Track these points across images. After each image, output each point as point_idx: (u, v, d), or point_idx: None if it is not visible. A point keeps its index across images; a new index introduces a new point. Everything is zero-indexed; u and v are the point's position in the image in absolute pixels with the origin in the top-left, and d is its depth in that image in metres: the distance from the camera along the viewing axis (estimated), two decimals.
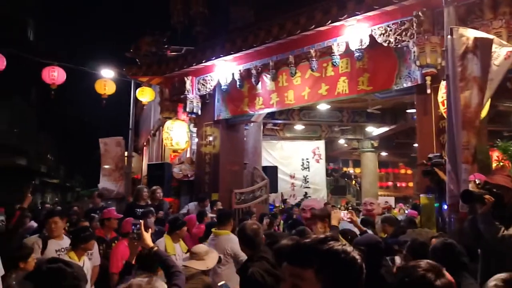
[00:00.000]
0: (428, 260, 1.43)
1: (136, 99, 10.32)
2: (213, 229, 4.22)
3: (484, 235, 2.83)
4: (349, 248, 1.15)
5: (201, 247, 3.36)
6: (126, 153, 10.50)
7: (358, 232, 3.81)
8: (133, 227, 2.67)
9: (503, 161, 5.80)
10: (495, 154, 6.69)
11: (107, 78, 9.89)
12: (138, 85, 10.23)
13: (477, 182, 3.12)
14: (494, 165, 6.44)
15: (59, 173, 32.05)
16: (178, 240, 4.48)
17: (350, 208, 7.92)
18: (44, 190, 25.99)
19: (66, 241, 3.93)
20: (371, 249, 2.57)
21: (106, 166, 10.22)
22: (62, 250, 3.84)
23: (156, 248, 2.63)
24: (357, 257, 1.15)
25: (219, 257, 3.28)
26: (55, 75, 8.70)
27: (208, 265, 3.16)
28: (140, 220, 2.76)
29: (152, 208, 5.93)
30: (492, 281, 1.45)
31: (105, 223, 5.14)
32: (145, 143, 17.02)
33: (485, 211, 2.83)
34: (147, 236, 2.64)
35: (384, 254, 2.83)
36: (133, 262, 2.78)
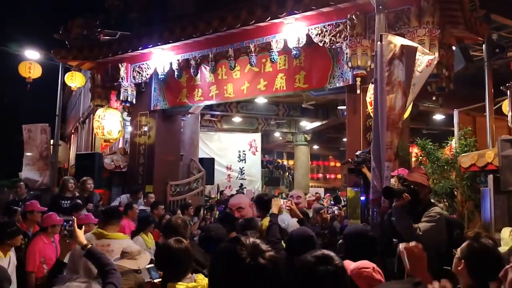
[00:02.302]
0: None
1: (64, 84, 9.63)
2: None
3: (396, 227, 3.12)
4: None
5: (133, 247, 3.29)
6: (52, 141, 9.80)
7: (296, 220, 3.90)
8: (65, 223, 2.55)
9: (421, 157, 6.42)
10: (415, 150, 7.37)
11: (32, 60, 9.15)
12: (67, 70, 9.57)
13: (400, 177, 3.44)
14: (413, 159, 7.09)
15: None
16: None
17: (289, 197, 8.15)
18: None
19: None
20: (304, 243, 2.71)
21: (29, 154, 9.46)
22: None
23: (90, 245, 2.55)
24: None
25: (152, 259, 3.17)
26: None
27: (140, 265, 3.10)
28: (73, 217, 2.63)
29: (79, 200, 5.67)
30: None
31: (27, 216, 4.84)
32: (73, 131, 15.93)
33: (398, 205, 3.10)
34: (80, 233, 2.56)
35: (316, 246, 2.99)
36: (64, 260, 2.66)
